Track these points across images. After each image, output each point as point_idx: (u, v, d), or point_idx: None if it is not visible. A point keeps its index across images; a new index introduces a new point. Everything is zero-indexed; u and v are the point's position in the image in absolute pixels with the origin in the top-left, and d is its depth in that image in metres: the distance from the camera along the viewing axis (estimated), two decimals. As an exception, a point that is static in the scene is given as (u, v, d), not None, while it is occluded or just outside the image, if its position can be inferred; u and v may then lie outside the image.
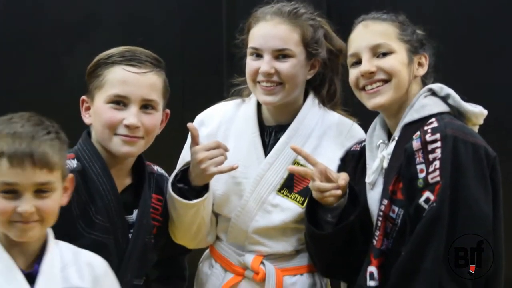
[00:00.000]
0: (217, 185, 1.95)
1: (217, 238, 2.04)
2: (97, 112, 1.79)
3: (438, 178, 1.58)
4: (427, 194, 1.59)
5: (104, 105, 1.77)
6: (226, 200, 1.97)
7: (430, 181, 1.59)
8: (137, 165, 1.89)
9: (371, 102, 1.78)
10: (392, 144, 1.75)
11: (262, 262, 1.94)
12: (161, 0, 3.20)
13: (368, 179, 1.78)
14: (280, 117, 2.00)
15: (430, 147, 1.61)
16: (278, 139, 1.97)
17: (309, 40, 1.93)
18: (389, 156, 1.74)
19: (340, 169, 1.90)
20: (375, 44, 1.76)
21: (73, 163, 1.77)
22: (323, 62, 1.99)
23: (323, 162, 1.80)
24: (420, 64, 1.80)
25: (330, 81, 2.03)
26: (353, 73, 1.81)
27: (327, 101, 2.03)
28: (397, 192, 1.67)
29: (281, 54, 1.91)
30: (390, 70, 1.74)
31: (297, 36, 1.91)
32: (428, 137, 1.62)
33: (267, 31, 1.92)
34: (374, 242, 1.68)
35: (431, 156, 1.60)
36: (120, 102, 1.76)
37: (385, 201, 1.69)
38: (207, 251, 2.09)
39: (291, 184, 1.94)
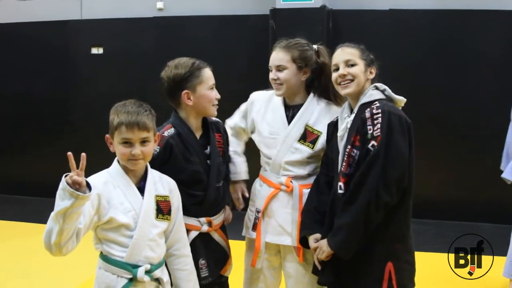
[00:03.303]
0: (262, 137, 3.12)
1: (263, 169, 3.18)
2: (201, 96, 2.86)
3: (379, 133, 2.66)
4: (372, 142, 2.66)
5: (207, 91, 2.88)
6: (268, 147, 3.11)
7: (374, 134, 2.66)
8: (204, 122, 2.98)
9: (343, 91, 2.86)
10: (352, 116, 2.83)
11: (290, 181, 3.08)
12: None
13: (339, 133, 2.87)
14: (294, 101, 3.12)
15: (375, 116, 2.70)
16: (296, 112, 3.08)
17: (296, 58, 3.05)
18: (351, 122, 2.82)
19: (329, 130, 2.99)
20: (347, 59, 2.85)
21: (172, 130, 2.86)
22: (314, 69, 3.10)
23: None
24: (371, 72, 2.88)
25: (320, 81, 3.11)
26: (334, 75, 2.89)
27: (319, 93, 3.13)
28: (355, 142, 2.74)
29: (280, 68, 3.07)
30: (354, 74, 2.83)
31: (288, 57, 3.05)
32: (374, 111, 2.71)
33: (273, 56, 3.10)
34: (342, 168, 2.77)
35: (375, 122, 2.68)
36: (212, 87, 2.91)
37: (349, 147, 2.76)
38: (258, 178, 3.22)
39: (305, 136, 3.06)
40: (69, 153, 2.24)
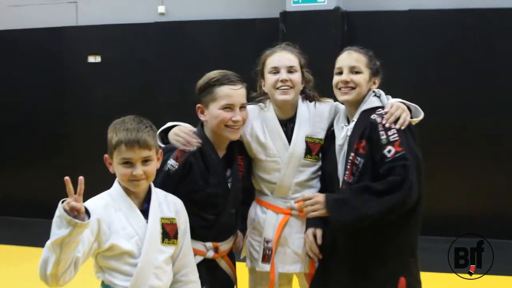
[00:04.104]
0: (259, 163, 2.93)
1: (263, 194, 2.97)
2: (214, 115, 2.76)
3: (397, 137, 2.59)
4: (389, 147, 2.58)
5: (219, 110, 2.75)
6: (268, 172, 2.93)
7: (391, 139, 2.59)
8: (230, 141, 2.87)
9: (342, 97, 2.80)
10: (352, 124, 2.76)
11: None
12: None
13: (338, 141, 2.80)
14: (287, 113, 2.94)
15: (386, 123, 2.63)
16: (292, 127, 2.93)
17: (302, 63, 2.97)
18: (351, 130, 2.74)
19: (327, 137, 2.92)
20: (353, 65, 2.78)
21: (194, 146, 2.75)
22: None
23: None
24: (374, 83, 2.83)
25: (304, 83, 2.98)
26: (336, 78, 2.82)
27: (308, 98, 2.98)
28: (359, 149, 2.66)
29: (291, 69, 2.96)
30: (358, 82, 2.77)
31: (297, 60, 2.95)
32: (384, 119, 2.65)
33: (280, 56, 2.97)
34: (345, 177, 2.70)
35: (387, 126, 2.62)
36: (229, 107, 2.75)
37: (352, 154, 2.68)
38: (254, 204, 3.01)
39: (309, 150, 2.91)
40: (66, 178, 2.16)
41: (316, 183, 2.94)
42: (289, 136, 2.92)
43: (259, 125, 2.94)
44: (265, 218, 2.94)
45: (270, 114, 2.95)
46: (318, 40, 5.77)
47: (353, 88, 2.75)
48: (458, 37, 5.94)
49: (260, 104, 3.00)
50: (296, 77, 2.89)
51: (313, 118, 2.94)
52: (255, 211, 2.99)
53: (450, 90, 5.98)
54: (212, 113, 2.76)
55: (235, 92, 2.75)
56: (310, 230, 2.85)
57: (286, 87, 2.86)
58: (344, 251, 2.73)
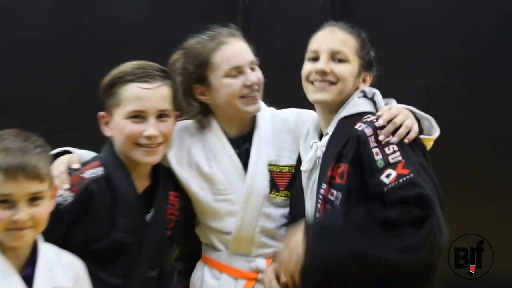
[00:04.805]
0: (203, 206, 2.20)
1: (214, 249, 2.25)
2: (117, 127, 2.09)
3: (399, 157, 1.90)
4: (388, 171, 1.88)
5: (123, 120, 2.07)
6: (218, 216, 2.22)
7: (391, 160, 1.90)
8: (155, 166, 2.17)
9: (314, 96, 2.09)
10: (326, 137, 2.07)
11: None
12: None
13: (303, 167, 2.12)
14: (240, 129, 2.27)
15: (380, 135, 1.92)
16: (246, 148, 2.25)
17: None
18: (323, 148, 2.06)
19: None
20: (336, 50, 2.08)
21: (99, 170, 2.08)
22: None
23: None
24: (364, 80, 2.15)
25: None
26: (308, 67, 2.12)
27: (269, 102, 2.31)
28: (335, 177, 1.96)
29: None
30: (340, 76, 2.07)
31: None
32: (378, 125, 1.94)
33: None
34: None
35: (383, 141, 1.92)
36: (138, 116, 2.08)
37: (324, 185, 1.99)
38: (200, 264, 2.28)
39: (274, 184, 2.23)
40: None
41: None
42: (243, 161, 2.24)
43: (200, 149, 2.25)
44: (217, 286, 2.22)
45: (215, 133, 2.26)
46: (296, 11, 3.79)
47: (332, 83, 2.07)
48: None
49: (200, 120, 2.28)
50: (259, 75, 2.23)
51: (279, 134, 2.27)
52: (202, 276, 2.27)
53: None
54: (116, 125, 2.11)
55: (148, 93, 2.08)
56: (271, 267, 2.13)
57: (252, 93, 2.20)
58: None
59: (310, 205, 2.07)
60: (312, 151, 2.10)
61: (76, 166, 2.07)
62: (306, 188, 2.12)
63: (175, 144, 2.24)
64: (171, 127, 2.15)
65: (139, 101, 2.07)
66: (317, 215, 2.01)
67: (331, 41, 2.09)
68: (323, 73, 2.06)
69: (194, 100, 2.27)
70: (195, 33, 2.30)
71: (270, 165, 2.23)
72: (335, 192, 1.97)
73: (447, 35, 3.74)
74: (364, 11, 3.65)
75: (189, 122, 2.31)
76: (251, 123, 2.27)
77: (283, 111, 2.35)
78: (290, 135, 2.28)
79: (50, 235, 1.90)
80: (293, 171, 2.23)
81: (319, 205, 2.01)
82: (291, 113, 2.34)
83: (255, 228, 2.21)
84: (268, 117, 2.30)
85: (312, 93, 2.10)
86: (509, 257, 3.45)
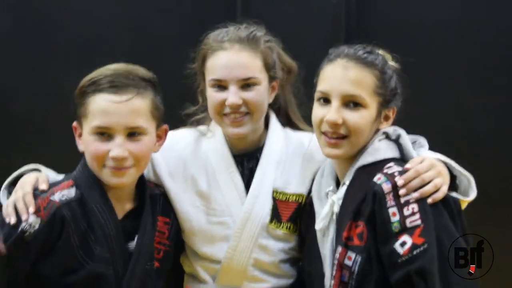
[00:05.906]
0: (194, 227, 1.94)
1: (199, 280, 1.99)
2: (85, 143, 1.80)
3: (419, 222, 1.61)
4: (404, 237, 1.62)
5: (89, 136, 1.76)
6: (209, 240, 1.96)
7: (408, 224, 1.62)
8: (140, 187, 1.87)
9: (326, 151, 1.81)
10: (343, 189, 1.78)
11: None
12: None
13: (318, 226, 1.81)
14: (247, 145, 1.99)
15: (401, 190, 1.65)
16: (251, 168, 1.98)
17: (270, 63, 1.94)
18: (340, 201, 1.77)
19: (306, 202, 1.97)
20: (350, 94, 1.76)
21: (71, 192, 1.78)
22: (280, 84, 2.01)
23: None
24: (386, 117, 1.83)
25: (288, 101, 2.04)
26: (318, 113, 1.81)
27: (289, 122, 2.03)
28: (353, 238, 1.69)
29: (246, 84, 1.90)
30: (354, 127, 1.76)
31: (259, 62, 1.91)
32: (398, 180, 1.65)
33: (229, 60, 1.90)
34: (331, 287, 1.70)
35: (402, 200, 1.64)
36: (104, 133, 1.75)
37: (340, 248, 1.71)
38: None
39: (277, 213, 1.95)
40: None
41: (290, 269, 1.97)
42: (246, 182, 1.96)
43: (199, 163, 1.99)
44: None
45: (218, 145, 1.98)
46: (303, 10, 3.15)
47: (345, 137, 1.78)
48: None
49: (201, 128, 2.03)
50: (256, 94, 1.91)
51: (291, 157, 1.98)
52: None
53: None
54: (84, 140, 1.80)
55: (116, 107, 1.73)
56: None
57: (238, 115, 1.90)
58: None
59: (327, 267, 1.78)
60: (327, 206, 1.81)
61: (44, 186, 1.77)
62: (322, 247, 1.83)
63: (169, 156, 1.98)
64: (144, 147, 1.80)
65: (104, 116, 1.74)
66: (332, 282, 1.73)
67: (344, 82, 1.77)
68: (334, 125, 1.77)
69: (204, 99, 2.01)
70: (198, 29, 2.01)
71: (275, 191, 1.96)
72: (353, 256, 1.69)
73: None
74: (380, 10, 3.09)
75: (188, 132, 2.06)
76: (260, 140, 2.00)
77: (300, 133, 2.05)
78: (302, 160, 2.01)
79: (14, 268, 1.69)
80: (301, 201, 1.96)
81: (334, 272, 1.72)
82: (307, 137, 2.03)
83: (248, 260, 1.93)
84: (281, 138, 2.01)
85: (323, 147, 1.82)
86: (509, 257, 3.40)
